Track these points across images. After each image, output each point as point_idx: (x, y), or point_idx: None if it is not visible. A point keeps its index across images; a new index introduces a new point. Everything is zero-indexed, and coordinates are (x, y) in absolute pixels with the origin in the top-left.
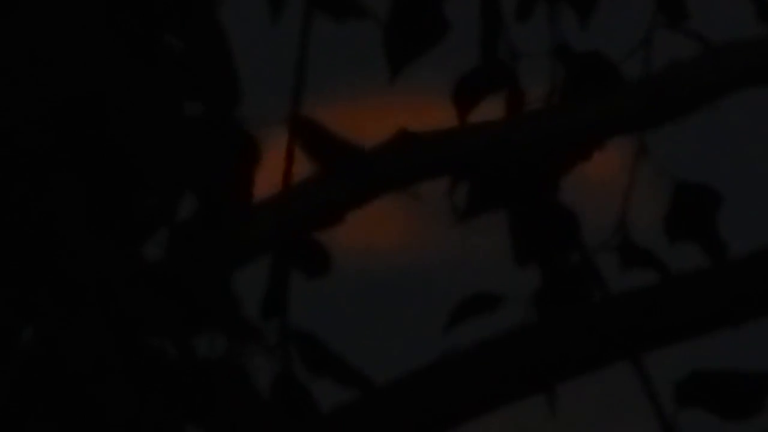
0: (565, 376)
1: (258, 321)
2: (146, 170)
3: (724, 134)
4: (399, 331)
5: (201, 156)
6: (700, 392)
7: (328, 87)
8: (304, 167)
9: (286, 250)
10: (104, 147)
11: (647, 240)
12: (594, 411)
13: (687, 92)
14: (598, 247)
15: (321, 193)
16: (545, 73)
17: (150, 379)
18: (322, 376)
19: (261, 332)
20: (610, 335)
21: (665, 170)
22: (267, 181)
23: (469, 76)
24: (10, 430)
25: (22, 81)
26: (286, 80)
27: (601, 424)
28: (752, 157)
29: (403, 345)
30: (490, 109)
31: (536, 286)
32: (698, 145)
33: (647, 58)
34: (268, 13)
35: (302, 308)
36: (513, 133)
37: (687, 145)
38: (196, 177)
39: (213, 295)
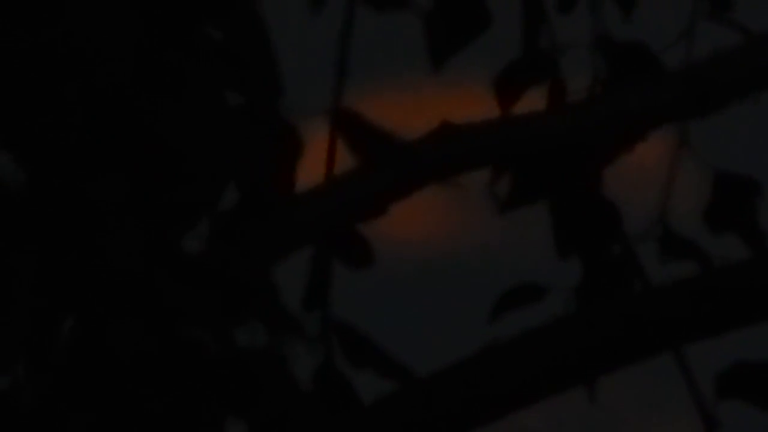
0: (606, 367)
1: (299, 312)
2: (189, 161)
3: (766, 125)
4: (441, 322)
5: (243, 147)
6: (741, 384)
7: (371, 79)
8: (346, 159)
9: (328, 241)
10: (148, 138)
11: (688, 231)
12: (635, 403)
13: (728, 83)
14: (640, 238)
15: (363, 184)
16: (587, 65)
17: (191, 371)
18: (364, 368)
19: (302, 324)
20: (651, 326)
21: (706, 161)
22: (309, 173)
23: (510, 67)
24: (52, 422)
25: (67, 74)
26: (328, 72)
27: (642, 415)
28: None
29: (444, 336)
30: (532, 101)
31: (578, 277)
32: (739, 135)
33: (689, 48)
34: (309, 4)
35: (344, 300)
36: (555, 125)
37: (728, 135)
38: (239, 168)
39: (254, 286)
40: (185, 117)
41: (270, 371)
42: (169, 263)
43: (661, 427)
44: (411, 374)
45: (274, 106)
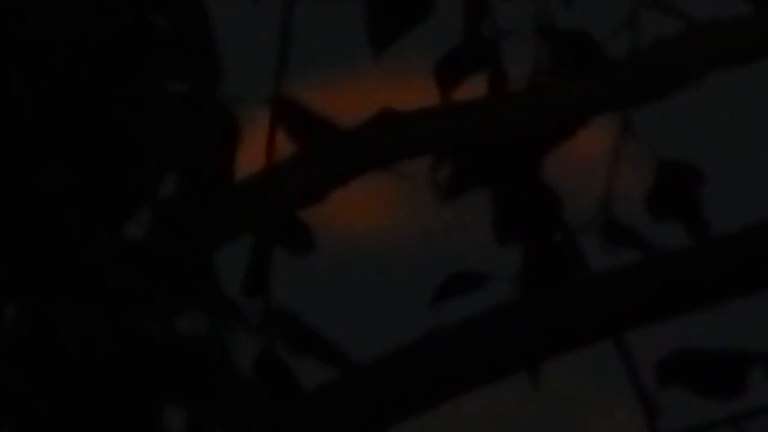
0: (548, 354)
1: (240, 299)
2: (130, 148)
3: (709, 113)
4: (382, 308)
5: (184, 134)
6: (682, 371)
7: (311, 67)
8: (286, 147)
9: (268, 228)
10: (91, 124)
11: (631, 219)
12: (576, 390)
13: (671, 70)
14: (582, 226)
15: (303, 172)
16: (529, 53)
17: (134, 357)
18: (305, 355)
19: (243, 311)
20: (593, 314)
21: (650, 149)
22: (250, 161)
23: (451, 54)
24: None
25: (11, 60)
26: (269, 61)
27: (583, 402)
28: (736, 136)
29: (386, 323)
30: (473, 89)
31: (519, 264)
32: (683, 123)
33: (632, 36)
34: None
35: (286, 287)
36: (496, 112)
37: (671, 123)
38: (179, 155)
39: (195, 273)
40: (128, 104)
41: (211, 358)
42: (111, 250)
43: (602, 414)
44: (352, 361)
45: (215, 94)
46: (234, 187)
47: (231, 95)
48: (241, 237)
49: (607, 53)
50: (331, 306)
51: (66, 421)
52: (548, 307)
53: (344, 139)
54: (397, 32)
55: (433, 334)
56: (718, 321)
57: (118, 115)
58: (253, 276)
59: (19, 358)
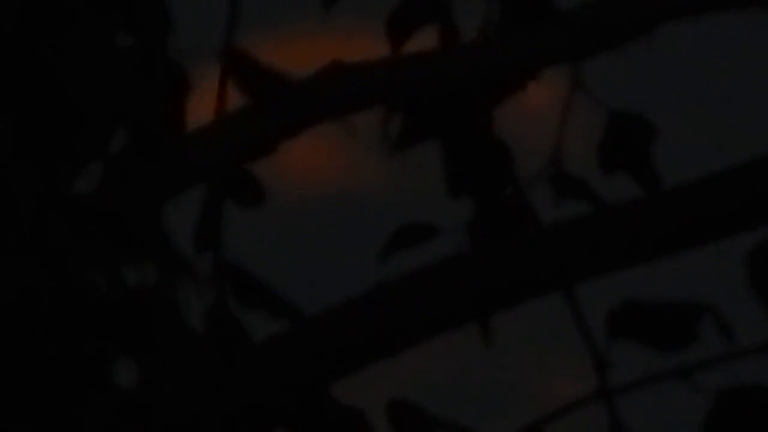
0: (497, 307)
1: (190, 253)
2: (79, 102)
3: (660, 65)
4: (333, 261)
5: (133, 88)
6: (632, 323)
7: (261, 20)
8: (236, 100)
9: (219, 181)
10: (38, 78)
11: (581, 171)
12: (526, 343)
13: (622, 23)
14: (532, 179)
15: (253, 124)
16: (480, 6)
17: (81, 312)
18: (255, 309)
19: (193, 265)
20: (543, 267)
21: (600, 102)
22: (199, 114)
23: (402, 8)
24: None
25: None
26: (219, 14)
27: (534, 355)
28: (687, 89)
29: (335, 276)
30: (423, 43)
31: (470, 217)
32: (633, 76)
33: None
34: None
35: (236, 241)
36: (447, 65)
37: (622, 76)
38: (128, 109)
39: (145, 227)
40: (75, 58)
41: (161, 312)
42: (59, 205)
43: (552, 369)
44: (301, 314)
45: (164, 48)
46: (184, 141)
47: (180, 48)
48: (191, 190)
49: (557, 6)
50: (281, 259)
51: (13, 376)
52: (498, 259)
53: (294, 91)
54: None
55: (382, 286)
56: (668, 273)
57: (63, 69)
58: (203, 229)
59: None
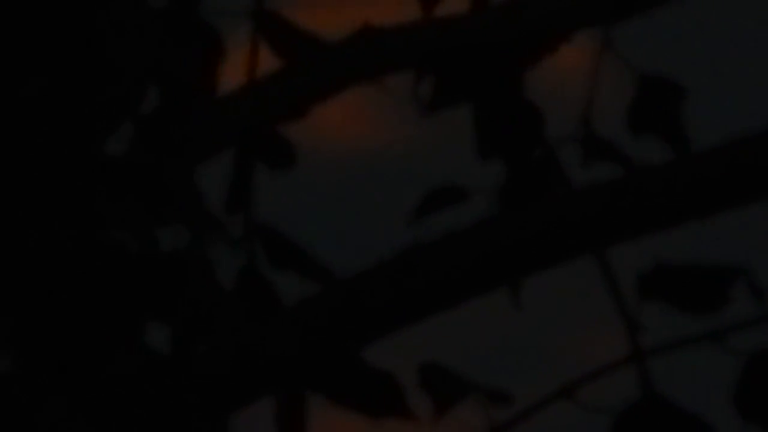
0: (528, 269)
1: (222, 215)
2: (110, 62)
3: (690, 27)
4: (364, 223)
5: (165, 49)
6: (663, 285)
7: None
8: (268, 61)
9: (250, 143)
10: (70, 40)
11: (612, 133)
12: (557, 305)
13: None
14: (562, 140)
15: (285, 86)
16: None
17: (113, 273)
18: (286, 270)
19: (224, 226)
20: (573, 228)
21: (630, 64)
22: (232, 76)
23: None
24: None
25: None
26: None
27: (565, 318)
28: (718, 51)
29: (368, 237)
30: (454, 4)
31: (501, 179)
32: (664, 38)
33: None
34: None
35: (268, 202)
36: (478, 27)
37: (653, 38)
38: (161, 70)
39: (177, 188)
40: (108, 18)
41: (192, 273)
42: (91, 165)
43: (584, 332)
44: (333, 276)
45: (196, 9)
46: (216, 102)
47: (213, 9)
48: (223, 152)
49: None
50: (313, 221)
51: (45, 338)
52: (529, 221)
53: (326, 53)
54: None
55: (413, 248)
56: (700, 236)
57: (97, 29)
58: (235, 191)
59: None
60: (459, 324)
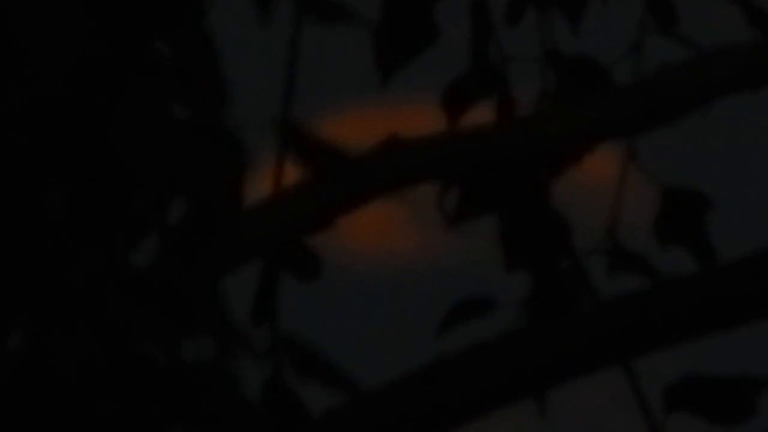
0: (555, 380)
1: (247, 326)
2: (136, 174)
3: (715, 139)
4: (390, 335)
5: (191, 160)
6: (690, 397)
7: (319, 96)
8: (294, 173)
9: (276, 255)
10: (94, 150)
11: (637, 245)
12: (584, 416)
13: (677, 97)
14: (588, 252)
15: (311, 198)
16: (536, 78)
17: (138, 384)
18: (312, 382)
19: (250, 338)
20: (601, 340)
21: (655, 175)
22: (257, 188)
23: (458, 81)
24: None
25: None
26: (276, 88)
27: (591, 428)
28: (742, 163)
29: (394, 349)
30: (480, 115)
31: (527, 290)
32: (688, 150)
33: (637, 62)
34: (258, 19)
35: (293, 313)
36: (503, 138)
37: (677, 150)
38: (186, 181)
39: (202, 300)
40: (132, 130)
41: (218, 385)
42: (116, 277)
43: None
44: (360, 388)
45: (221, 120)
46: (242, 213)
47: (238, 121)
48: (249, 263)
49: (612, 79)
50: (339, 332)
51: None
52: (556, 332)
53: (352, 165)
54: (404, 58)
55: (440, 360)
56: (726, 347)
57: (122, 140)
58: (260, 302)
59: (20, 386)
60: None
